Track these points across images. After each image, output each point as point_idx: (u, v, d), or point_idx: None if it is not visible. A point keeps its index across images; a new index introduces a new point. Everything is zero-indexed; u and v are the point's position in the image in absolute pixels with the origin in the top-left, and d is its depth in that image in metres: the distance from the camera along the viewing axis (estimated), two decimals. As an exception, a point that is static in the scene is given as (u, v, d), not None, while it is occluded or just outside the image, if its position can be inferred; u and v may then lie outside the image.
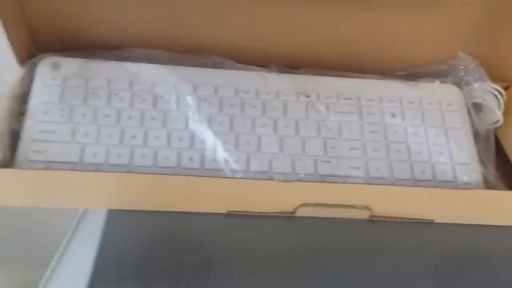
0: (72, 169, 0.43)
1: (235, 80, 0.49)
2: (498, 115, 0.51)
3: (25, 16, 0.47)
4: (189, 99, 0.47)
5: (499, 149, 0.51)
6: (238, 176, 0.44)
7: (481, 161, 0.49)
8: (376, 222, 0.45)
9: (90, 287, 0.39)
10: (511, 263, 0.45)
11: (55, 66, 0.47)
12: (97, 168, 0.43)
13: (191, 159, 0.44)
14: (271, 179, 0.44)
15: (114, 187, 0.42)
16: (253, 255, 0.43)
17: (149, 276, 0.40)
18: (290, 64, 0.52)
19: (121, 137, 0.45)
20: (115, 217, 0.43)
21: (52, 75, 0.47)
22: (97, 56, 0.49)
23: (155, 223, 0.43)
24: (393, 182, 0.46)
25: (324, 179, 0.46)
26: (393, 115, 0.50)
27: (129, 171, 0.43)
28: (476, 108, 0.52)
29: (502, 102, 0.52)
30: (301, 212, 0.44)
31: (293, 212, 0.44)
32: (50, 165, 0.43)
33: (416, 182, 0.46)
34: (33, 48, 0.49)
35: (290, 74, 0.51)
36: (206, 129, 0.46)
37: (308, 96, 0.50)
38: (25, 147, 0.43)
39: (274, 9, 0.48)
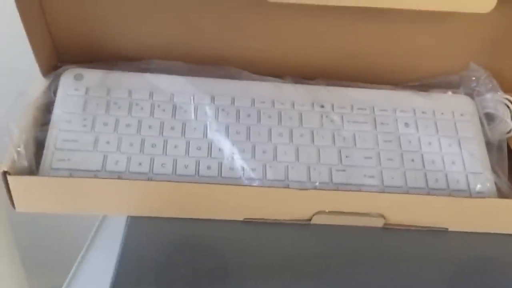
0: (95, 176, 0.44)
1: (252, 91, 0.51)
2: (510, 125, 0.52)
3: (49, 28, 0.49)
4: (207, 109, 0.49)
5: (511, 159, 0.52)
6: (255, 184, 0.45)
7: (494, 171, 0.49)
8: (390, 230, 0.46)
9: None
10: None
11: (78, 77, 0.49)
12: (118, 176, 0.44)
13: (209, 168, 0.46)
14: (287, 187, 0.45)
15: (134, 194, 0.43)
16: (269, 262, 0.44)
17: (168, 282, 0.41)
18: (304, 75, 0.53)
19: (141, 146, 0.46)
20: (135, 223, 0.44)
21: (75, 86, 0.48)
22: (118, 68, 0.50)
23: (174, 230, 0.44)
24: (407, 191, 0.47)
25: (339, 187, 0.46)
26: (406, 125, 0.51)
27: (149, 179, 0.44)
28: (488, 118, 0.53)
29: (514, 112, 0.53)
30: (317, 220, 0.45)
31: (309, 219, 0.45)
32: (73, 173, 0.44)
33: (429, 191, 0.47)
34: (56, 60, 0.51)
35: (305, 85, 0.52)
36: (223, 138, 0.47)
37: (322, 106, 0.51)
38: (49, 156, 0.44)
39: (289, 21, 0.50)
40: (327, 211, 0.44)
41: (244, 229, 0.45)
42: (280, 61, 0.53)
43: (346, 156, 0.48)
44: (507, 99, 0.53)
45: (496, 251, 0.46)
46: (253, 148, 0.47)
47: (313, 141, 0.49)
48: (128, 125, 0.47)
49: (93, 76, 0.49)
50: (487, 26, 0.51)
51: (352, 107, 0.51)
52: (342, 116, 0.50)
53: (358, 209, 0.44)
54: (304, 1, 0.42)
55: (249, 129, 0.48)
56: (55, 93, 0.48)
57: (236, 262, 0.43)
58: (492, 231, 0.47)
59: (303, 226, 0.46)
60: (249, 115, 0.49)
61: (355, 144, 0.49)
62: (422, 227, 0.46)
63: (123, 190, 0.43)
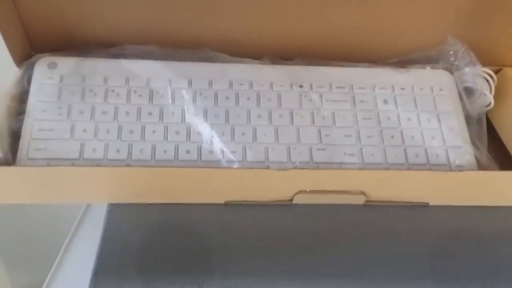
0: (73, 165, 0.44)
1: (229, 73, 0.50)
2: (490, 98, 0.52)
3: (20, 17, 0.48)
4: (184, 93, 0.48)
5: (491, 132, 0.52)
6: (235, 167, 0.45)
7: (474, 144, 0.49)
8: (372, 207, 0.46)
9: (94, 280, 0.40)
10: (505, 243, 0.45)
11: (52, 66, 0.48)
12: (96, 163, 0.44)
13: (188, 152, 0.45)
14: (267, 168, 0.45)
15: (114, 181, 0.42)
16: (252, 244, 0.44)
17: (152, 266, 0.41)
18: (282, 55, 0.53)
19: (119, 132, 0.45)
20: (116, 210, 0.44)
21: (49, 75, 0.48)
22: (92, 54, 0.50)
23: (155, 215, 0.44)
24: (388, 168, 0.47)
25: (319, 166, 0.46)
26: (385, 101, 0.51)
27: (128, 166, 0.44)
28: (468, 92, 0.53)
29: (493, 85, 0.53)
30: (298, 200, 0.45)
31: (290, 200, 0.45)
32: (50, 162, 0.44)
33: (410, 167, 0.47)
34: (30, 48, 0.50)
35: (283, 65, 0.52)
36: (202, 122, 0.47)
37: (301, 86, 0.51)
38: (25, 146, 0.44)
39: (265, 1, 0.49)
40: (308, 190, 0.44)
41: (225, 212, 0.45)
42: (258, 42, 0.52)
43: (326, 135, 0.48)
44: (486, 72, 0.53)
45: (477, 224, 0.46)
46: (232, 130, 0.47)
47: (292, 121, 0.49)
48: (104, 112, 0.46)
49: (67, 64, 0.49)
50: (462, -1, 0.51)
51: (330, 86, 0.51)
52: (321, 95, 0.50)
53: (339, 187, 0.44)
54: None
55: (228, 112, 0.48)
56: (29, 82, 0.47)
57: (219, 245, 0.43)
58: (473, 204, 0.47)
59: (285, 206, 0.46)
60: (227, 98, 0.49)
61: (335, 123, 0.49)
62: (403, 202, 0.46)
63: (102, 178, 0.42)
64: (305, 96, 0.50)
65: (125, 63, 0.49)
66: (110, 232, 0.43)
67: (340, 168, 0.47)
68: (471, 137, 0.50)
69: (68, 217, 0.50)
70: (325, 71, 0.52)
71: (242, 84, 0.50)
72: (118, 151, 0.45)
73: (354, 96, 0.51)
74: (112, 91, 0.47)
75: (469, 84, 0.53)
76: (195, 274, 0.41)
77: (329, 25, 0.52)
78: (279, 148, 0.47)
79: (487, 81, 0.53)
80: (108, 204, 0.44)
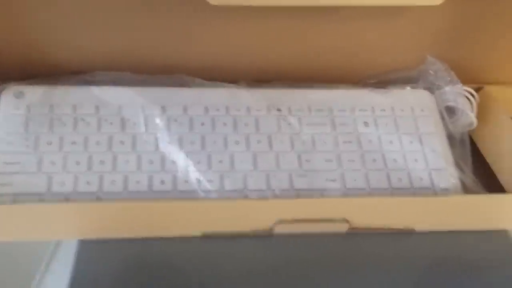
0: (40, 199, 0.41)
1: (205, 98, 0.49)
2: (472, 117, 0.51)
3: (-15, 45, 0.46)
4: (158, 120, 0.46)
5: (475, 152, 0.51)
6: (212, 196, 0.43)
7: (458, 165, 0.48)
8: (355, 235, 0.44)
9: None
10: (494, 268, 0.44)
11: (18, 95, 0.46)
12: (65, 197, 0.42)
13: (162, 182, 0.43)
14: (246, 198, 0.44)
15: (83, 217, 0.40)
16: (232, 277, 0.42)
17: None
18: (259, 78, 0.52)
19: (89, 163, 0.43)
20: (86, 247, 0.42)
21: (16, 105, 0.46)
22: (61, 82, 0.48)
23: (128, 251, 0.42)
24: (371, 192, 0.46)
25: (300, 193, 0.45)
26: (366, 124, 0.49)
27: (98, 198, 0.42)
28: (449, 111, 0.52)
29: (475, 104, 0.52)
30: (279, 229, 0.43)
31: (271, 230, 0.43)
32: (16, 197, 0.41)
33: (393, 191, 0.46)
34: (-5, 77, 0.48)
35: (260, 89, 0.50)
36: (177, 150, 0.45)
37: (279, 110, 0.49)
38: (-11, 181, 0.41)
39: (239, 25, 0.48)
40: (289, 219, 0.42)
41: (203, 244, 0.43)
42: (233, 66, 0.51)
43: (306, 160, 0.46)
44: (466, 90, 0.52)
45: (464, 249, 0.45)
46: (209, 158, 0.45)
47: (271, 146, 0.47)
48: (73, 143, 0.44)
49: (34, 93, 0.46)
50: (440, 17, 0.50)
51: (309, 109, 0.50)
52: (300, 119, 0.49)
53: (321, 215, 0.43)
54: (247, 2, 0.40)
55: (204, 139, 0.46)
56: (-6, 113, 0.45)
57: (197, 279, 0.41)
58: (459, 229, 0.45)
59: (265, 237, 0.44)
60: (203, 124, 0.47)
61: (315, 147, 0.47)
62: (388, 229, 0.45)
63: (71, 214, 0.40)
64: (283, 120, 0.49)
65: (95, 90, 0.47)
66: (80, 270, 0.40)
67: (322, 194, 0.45)
68: (454, 159, 0.49)
69: (38, 255, 0.47)
70: (303, 93, 0.51)
71: (218, 109, 0.48)
72: (88, 183, 0.42)
73: (333, 119, 0.49)
74: (82, 120, 0.45)
75: (451, 103, 0.52)
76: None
77: (306, 47, 0.51)
78: (258, 175, 0.45)
79: (469, 100, 0.52)
80: (78, 240, 0.42)
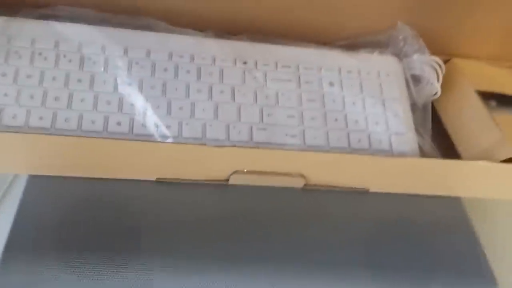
0: (-11, 131, 0.40)
1: (169, 44, 0.47)
2: (437, 87, 0.51)
3: None
4: (119, 61, 0.45)
5: (436, 122, 0.51)
6: (168, 141, 0.42)
7: (418, 132, 0.48)
8: (311, 191, 0.44)
9: (3, 256, 0.36)
10: (443, 232, 0.44)
11: (-25, 24, 0.44)
12: (16, 130, 0.40)
13: (119, 124, 0.42)
14: (203, 144, 0.43)
15: (34, 150, 0.39)
16: (184, 224, 0.41)
17: (71, 244, 0.38)
18: (227, 30, 0.50)
19: (43, 98, 0.42)
20: (35, 183, 0.41)
21: (-29, 33, 0.44)
22: (21, 14, 0.46)
23: (78, 190, 0.41)
24: (330, 151, 0.45)
25: (259, 146, 0.44)
26: (331, 84, 0.49)
27: (51, 134, 0.40)
28: (415, 79, 0.52)
29: (440, 74, 0.52)
30: (234, 180, 0.43)
31: (226, 180, 0.43)
32: (-35, 128, 0.40)
33: (352, 151, 0.46)
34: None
35: (228, 40, 0.49)
36: (136, 93, 0.44)
37: (245, 63, 0.48)
38: None
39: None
40: (245, 170, 0.42)
41: (157, 189, 0.43)
42: (202, 14, 0.50)
43: (268, 115, 0.46)
44: (434, 61, 0.52)
45: (416, 213, 0.45)
46: (169, 104, 0.44)
47: (233, 98, 0.46)
48: (29, 76, 0.43)
49: (-8, 22, 0.44)
50: (415, -17, 0.49)
51: (276, 65, 0.49)
52: (266, 73, 0.48)
53: (277, 168, 0.42)
54: None
55: (165, 85, 0.45)
56: None
57: (148, 224, 0.40)
58: (413, 192, 0.46)
59: (220, 186, 0.43)
60: (165, 70, 0.46)
61: (278, 103, 0.47)
62: (343, 187, 0.45)
63: (21, 146, 0.39)
64: (248, 73, 0.48)
65: (56, 25, 0.45)
66: (26, 207, 0.39)
67: (281, 149, 0.44)
68: (415, 125, 0.49)
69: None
70: (272, 49, 0.50)
71: (182, 56, 0.47)
72: (41, 118, 0.41)
73: (299, 76, 0.49)
74: (40, 54, 0.44)
75: (417, 72, 0.52)
76: (118, 253, 0.38)
77: (279, 1, 0.50)
78: (217, 125, 0.44)
79: (435, 70, 0.52)
80: (27, 175, 0.41)
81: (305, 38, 0.52)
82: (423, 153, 0.47)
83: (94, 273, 0.37)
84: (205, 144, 0.43)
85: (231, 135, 0.44)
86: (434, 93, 0.51)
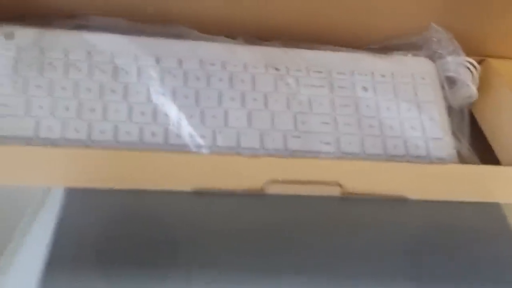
0: (27, 144, 0.40)
1: (201, 52, 0.47)
2: (472, 89, 0.50)
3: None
4: (152, 71, 0.45)
5: (473, 124, 0.50)
6: (204, 152, 0.42)
7: (455, 136, 0.48)
8: (347, 199, 0.44)
9: (46, 270, 0.37)
10: (483, 239, 0.44)
11: (9, 36, 0.44)
12: (52, 143, 0.40)
13: (154, 134, 0.42)
14: (238, 154, 0.42)
15: (72, 163, 0.39)
16: (220, 235, 0.41)
17: (111, 257, 0.38)
18: (258, 36, 0.50)
19: (78, 110, 0.42)
20: (73, 195, 0.41)
21: (6, 46, 0.44)
22: (53, 25, 0.46)
23: (116, 202, 0.41)
24: (365, 158, 0.45)
25: (294, 154, 0.44)
26: (365, 88, 0.48)
27: (87, 146, 0.41)
28: (450, 82, 0.51)
29: (476, 76, 0.51)
30: (270, 189, 0.42)
31: (262, 189, 0.42)
32: (3, 141, 0.40)
33: (388, 158, 0.45)
34: (-16, 17, 0.46)
35: (259, 46, 0.49)
36: (170, 103, 0.44)
37: (277, 69, 0.48)
38: (-25, 122, 0.40)
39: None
40: (280, 180, 0.42)
41: (193, 200, 0.42)
42: (233, 20, 0.49)
43: (302, 122, 0.45)
44: (469, 62, 0.51)
45: (456, 219, 0.45)
46: (202, 113, 0.44)
47: (266, 105, 0.46)
48: (63, 88, 0.43)
49: (25, 34, 0.45)
50: (448, -16, 0.48)
51: (308, 70, 0.48)
52: (298, 79, 0.48)
53: (313, 177, 0.42)
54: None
55: (198, 93, 0.45)
56: (-18, 53, 0.43)
57: (185, 235, 0.40)
58: (452, 199, 0.45)
59: (256, 196, 0.43)
60: (198, 78, 0.46)
61: (311, 109, 0.46)
62: (380, 195, 0.44)
63: (58, 159, 0.39)
64: (281, 79, 0.47)
65: (88, 36, 0.46)
66: (66, 219, 0.39)
67: (316, 157, 0.44)
68: (452, 129, 0.48)
69: (23, 201, 0.46)
70: (303, 54, 0.49)
71: (214, 64, 0.47)
72: (76, 130, 0.41)
73: (332, 82, 0.48)
74: (73, 65, 0.44)
75: (452, 74, 0.51)
76: (157, 266, 0.38)
77: (308, 6, 0.49)
78: (251, 133, 0.44)
79: (470, 71, 0.51)
80: (64, 188, 0.41)
81: (337, 42, 0.51)
82: (461, 158, 0.46)
83: (134, 286, 0.37)
84: (240, 154, 0.43)
85: (265, 143, 0.44)
86: (469, 95, 0.51)
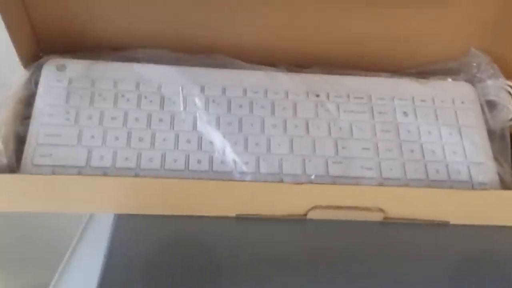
0: (79, 173, 0.42)
1: (243, 80, 0.48)
2: (513, 112, 0.50)
3: (29, 17, 0.46)
4: (197, 99, 0.46)
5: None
6: (247, 178, 0.43)
7: (497, 160, 0.47)
8: (390, 224, 0.44)
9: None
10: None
11: (61, 68, 0.47)
12: (104, 171, 0.42)
13: (199, 162, 0.44)
14: (281, 181, 0.43)
15: (121, 191, 0.41)
16: (264, 259, 0.42)
17: (158, 281, 0.40)
18: (299, 63, 0.51)
19: (128, 139, 0.44)
20: (123, 221, 0.42)
21: (58, 77, 0.46)
22: (102, 57, 0.48)
23: (163, 228, 0.42)
24: (407, 183, 0.45)
25: (336, 180, 0.45)
26: (405, 113, 0.49)
27: (136, 174, 0.42)
28: (490, 105, 0.51)
29: (516, 99, 0.51)
30: (313, 215, 0.43)
31: (305, 215, 0.43)
32: (56, 169, 0.42)
33: (430, 183, 0.45)
34: (38, 50, 0.48)
35: (299, 73, 0.50)
36: (214, 131, 0.45)
37: (318, 96, 0.49)
38: (30, 151, 0.42)
39: (282, 7, 0.47)
40: (323, 205, 0.42)
41: (237, 225, 0.43)
42: (273, 49, 0.51)
43: (343, 147, 0.46)
44: (509, 85, 0.51)
45: (499, 244, 0.44)
46: (246, 140, 0.45)
47: (308, 132, 0.47)
48: (113, 118, 0.45)
49: (76, 66, 0.47)
50: (487, 9, 0.49)
51: (348, 96, 0.49)
52: (338, 106, 0.48)
53: (356, 203, 0.42)
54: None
55: (241, 120, 0.46)
56: (36, 85, 0.45)
57: (229, 260, 0.41)
58: (495, 224, 0.45)
59: (299, 221, 0.44)
60: (241, 106, 0.47)
61: (352, 135, 0.47)
62: (422, 220, 0.44)
63: (109, 188, 0.41)
64: (321, 106, 0.48)
65: (136, 67, 0.47)
66: (116, 244, 0.41)
67: (357, 182, 0.45)
68: (494, 153, 0.48)
69: (72, 226, 0.48)
70: (343, 80, 0.50)
71: (256, 92, 0.48)
72: (126, 159, 0.43)
73: (372, 107, 0.49)
74: (122, 96, 0.46)
75: (492, 97, 0.51)
76: (203, 290, 0.39)
77: (348, 32, 0.50)
78: (294, 160, 0.45)
79: (510, 94, 0.51)
80: (114, 214, 0.43)
81: (376, 68, 0.52)
82: (503, 183, 0.46)
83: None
84: (282, 180, 0.44)
85: (307, 169, 0.45)
86: (510, 118, 0.50)
